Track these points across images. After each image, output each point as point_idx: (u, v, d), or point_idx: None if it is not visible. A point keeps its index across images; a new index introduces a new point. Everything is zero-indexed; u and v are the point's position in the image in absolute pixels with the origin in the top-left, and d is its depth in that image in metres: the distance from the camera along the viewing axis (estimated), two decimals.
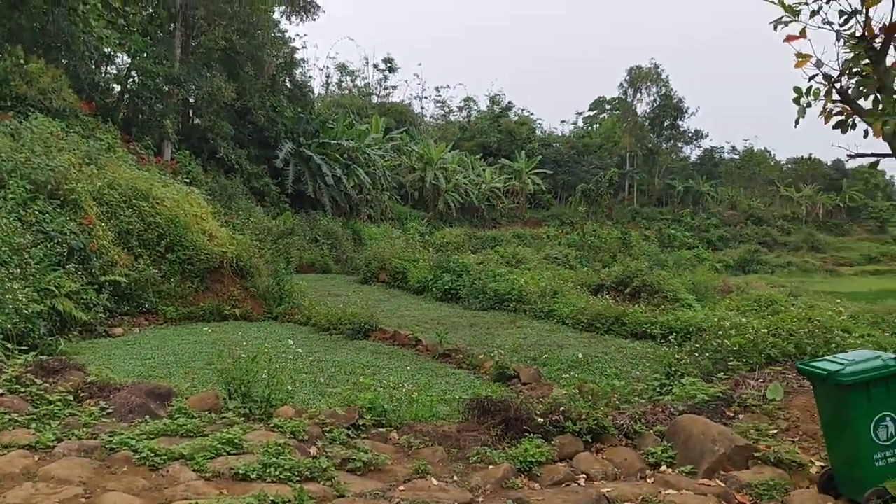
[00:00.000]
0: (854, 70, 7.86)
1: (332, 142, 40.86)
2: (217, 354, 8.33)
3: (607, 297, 18.29)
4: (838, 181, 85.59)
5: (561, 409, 6.59)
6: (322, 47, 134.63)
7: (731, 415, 7.04)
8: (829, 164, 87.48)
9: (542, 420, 6.45)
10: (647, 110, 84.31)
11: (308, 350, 12.31)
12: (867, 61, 7.82)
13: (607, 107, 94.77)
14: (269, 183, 36.64)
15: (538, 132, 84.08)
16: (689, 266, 41.36)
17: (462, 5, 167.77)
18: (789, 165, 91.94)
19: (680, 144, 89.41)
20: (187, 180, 23.92)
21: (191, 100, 34.25)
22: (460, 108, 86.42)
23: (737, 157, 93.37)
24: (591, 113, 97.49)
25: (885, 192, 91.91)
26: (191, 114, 36.42)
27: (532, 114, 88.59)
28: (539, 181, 68.69)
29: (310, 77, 64.53)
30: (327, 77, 79.62)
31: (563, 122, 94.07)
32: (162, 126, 29.78)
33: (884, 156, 8.17)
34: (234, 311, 16.67)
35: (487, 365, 11.32)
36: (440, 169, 54.84)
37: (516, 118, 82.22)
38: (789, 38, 7.75)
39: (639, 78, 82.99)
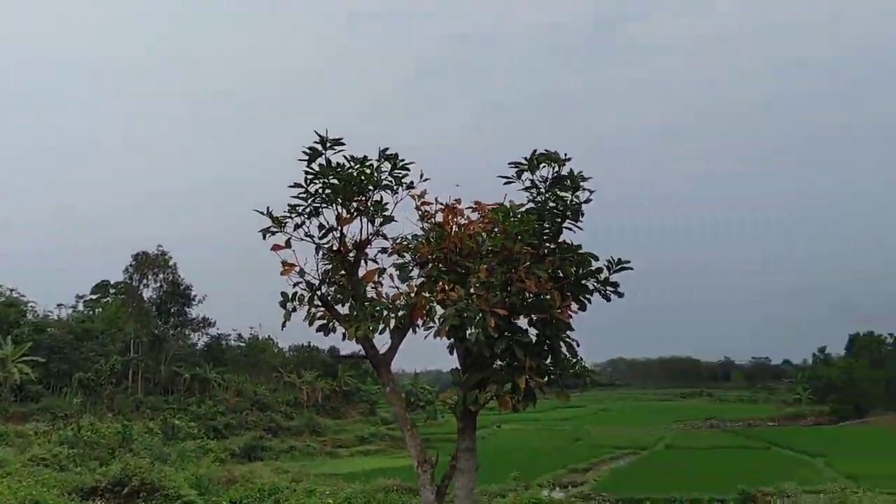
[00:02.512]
0: (332, 279, 8.78)
1: None
2: None
3: (100, 502, 16.53)
4: (334, 367, 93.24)
5: None
6: None
7: None
8: (325, 350, 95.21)
9: None
10: (154, 296, 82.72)
11: None
12: (343, 272, 8.82)
13: (112, 290, 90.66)
14: None
15: (30, 315, 76.16)
16: (193, 458, 40.16)
17: None
18: (291, 352, 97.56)
19: (187, 331, 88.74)
20: None
21: None
22: None
23: (243, 344, 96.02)
24: (94, 297, 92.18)
25: (373, 376, 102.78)
26: None
27: (23, 295, 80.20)
28: (28, 370, 61.38)
29: None
30: None
31: (60, 305, 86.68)
32: None
33: (362, 357, 9.08)
34: None
35: None
36: None
37: (2, 299, 73.45)
38: (275, 247, 8.36)
39: (145, 263, 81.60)
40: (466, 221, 8.46)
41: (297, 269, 8.35)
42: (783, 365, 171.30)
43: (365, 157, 8.32)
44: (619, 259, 8.33)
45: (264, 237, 8.36)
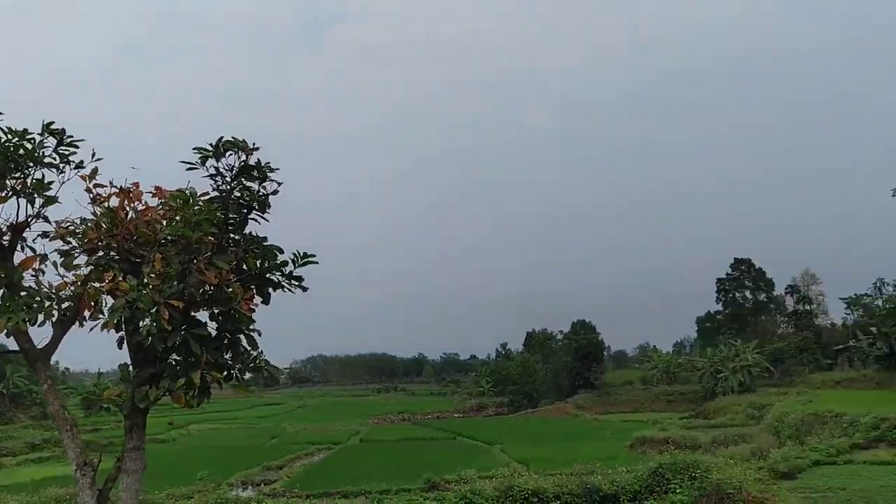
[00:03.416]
0: None
1: None
2: None
3: None
4: (1, 367, 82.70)
5: None
6: None
7: None
8: None
9: None
10: None
11: None
12: None
13: None
14: None
15: None
16: None
17: None
18: None
19: None
20: None
21: None
22: None
23: None
24: None
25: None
26: None
27: None
28: None
29: None
30: None
31: None
32: None
33: (13, 352, 8.12)
34: None
35: None
36: None
37: None
38: None
39: None
40: (144, 207, 7.95)
41: None
42: (470, 360, 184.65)
43: (25, 130, 7.45)
44: (305, 253, 8.37)
45: None
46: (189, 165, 7.96)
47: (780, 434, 44.96)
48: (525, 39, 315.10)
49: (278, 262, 8.31)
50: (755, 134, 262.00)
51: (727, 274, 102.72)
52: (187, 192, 7.79)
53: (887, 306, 76.61)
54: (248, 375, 8.41)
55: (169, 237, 7.62)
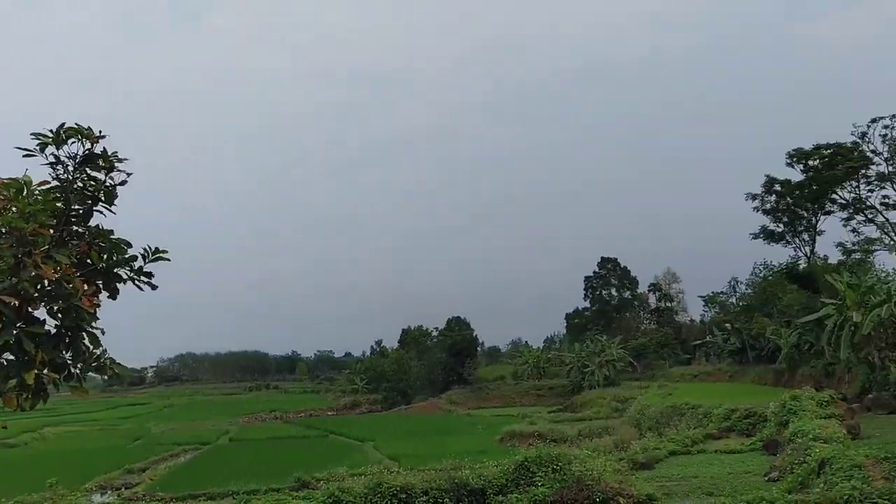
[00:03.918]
0: None
1: None
2: None
3: None
4: None
5: None
6: None
7: None
8: None
9: None
10: None
11: None
12: None
13: None
14: None
15: None
16: None
17: None
18: None
19: None
20: None
21: None
22: None
23: None
24: None
25: None
26: None
27: None
28: None
29: None
30: None
31: None
32: None
33: None
34: None
35: None
36: None
37: None
38: None
39: None
40: None
41: None
42: (345, 357, 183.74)
43: None
44: (157, 248, 8.01)
45: None
46: (26, 152, 7.43)
47: (640, 426, 47.33)
48: (399, 35, 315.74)
49: (127, 256, 7.91)
50: (618, 137, 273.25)
51: (594, 272, 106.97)
52: (22, 180, 7.26)
53: (741, 304, 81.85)
54: (101, 375, 7.98)
55: (1, 229, 7.08)
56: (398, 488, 19.85)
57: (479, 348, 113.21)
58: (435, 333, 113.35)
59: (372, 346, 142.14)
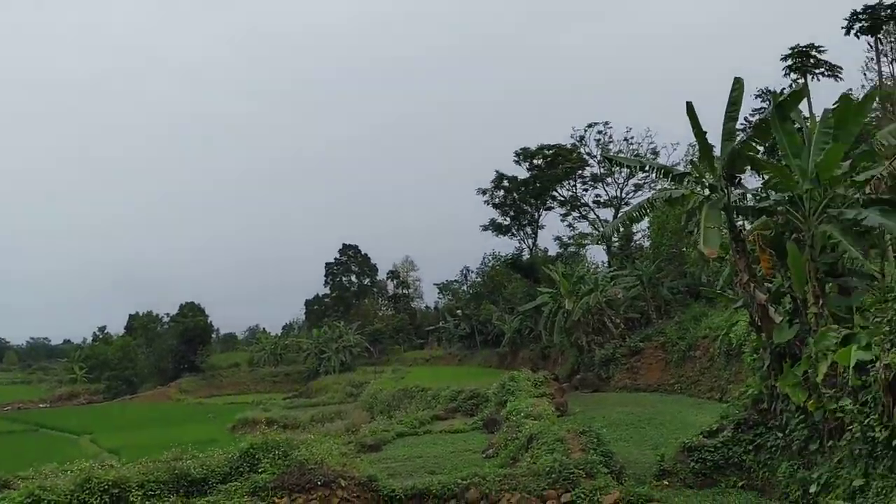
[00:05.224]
0: None
1: None
2: None
3: None
4: None
5: None
6: None
7: None
8: None
9: None
10: None
11: None
12: None
13: None
14: None
15: None
16: None
17: None
18: None
19: None
20: None
21: None
22: None
23: None
24: None
25: None
26: None
27: None
28: None
29: None
30: None
31: None
32: None
33: None
34: None
35: None
36: None
37: None
38: None
39: None
40: None
41: None
42: (63, 345, 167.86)
43: None
44: None
45: None
46: None
47: (373, 409, 48.29)
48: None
49: None
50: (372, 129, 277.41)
51: (335, 258, 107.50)
52: None
53: (471, 291, 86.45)
54: None
55: None
56: (110, 483, 18.24)
57: (213, 335, 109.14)
58: (166, 319, 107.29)
59: (94, 333, 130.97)
